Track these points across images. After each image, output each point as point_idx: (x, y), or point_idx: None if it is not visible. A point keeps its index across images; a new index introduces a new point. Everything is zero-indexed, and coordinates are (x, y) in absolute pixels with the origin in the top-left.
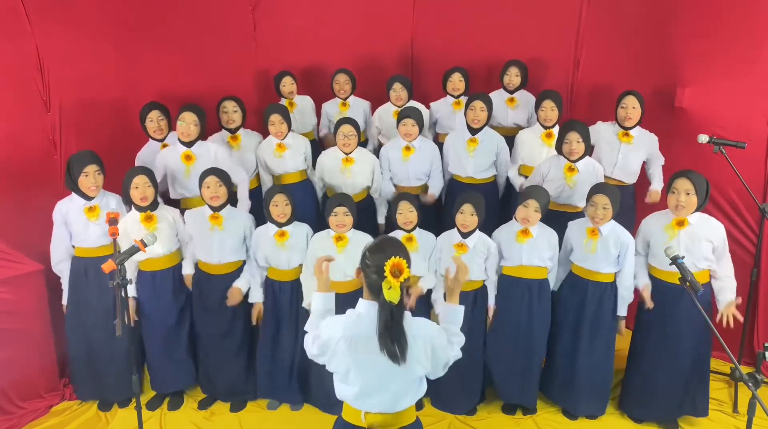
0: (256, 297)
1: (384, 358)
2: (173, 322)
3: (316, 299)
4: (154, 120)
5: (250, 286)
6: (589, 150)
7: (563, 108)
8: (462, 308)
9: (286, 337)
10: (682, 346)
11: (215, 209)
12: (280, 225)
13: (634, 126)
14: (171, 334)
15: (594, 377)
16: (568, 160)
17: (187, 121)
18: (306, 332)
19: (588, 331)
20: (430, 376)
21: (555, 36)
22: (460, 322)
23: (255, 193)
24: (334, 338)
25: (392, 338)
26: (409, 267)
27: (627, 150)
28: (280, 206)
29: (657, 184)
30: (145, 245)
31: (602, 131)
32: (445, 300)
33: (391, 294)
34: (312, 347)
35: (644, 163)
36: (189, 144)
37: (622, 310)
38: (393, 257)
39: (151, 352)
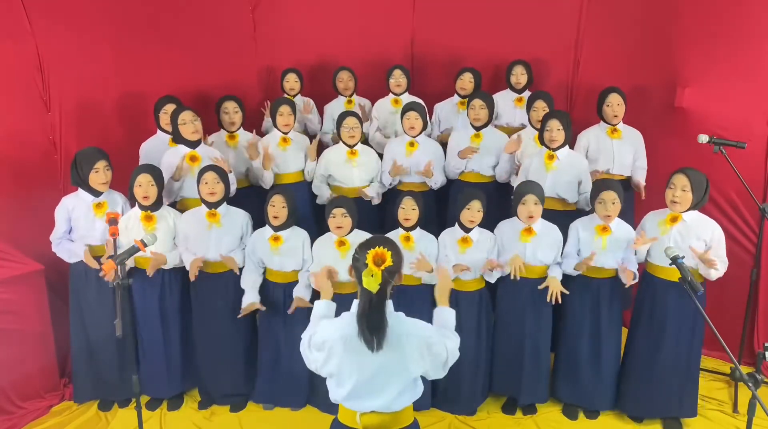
0: (251, 298)
1: (378, 356)
2: (158, 323)
3: (318, 306)
4: (168, 113)
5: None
6: (570, 140)
7: (563, 108)
8: (453, 311)
9: (281, 340)
10: (673, 342)
11: (211, 206)
12: (275, 228)
13: (619, 122)
14: (156, 336)
15: (608, 370)
16: (549, 148)
17: (188, 120)
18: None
19: (603, 329)
20: (430, 376)
21: (555, 36)
22: (453, 323)
23: (246, 193)
24: (330, 339)
25: (368, 326)
26: (396, 259)
27: (619, 145)
28: (276, 207)
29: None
30: (145, 245)
31: (591, 135)
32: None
33: (371, 282)
34: (307, 349)
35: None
36: (194, 145)
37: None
38: (377, 247)
39: (140, 353)
